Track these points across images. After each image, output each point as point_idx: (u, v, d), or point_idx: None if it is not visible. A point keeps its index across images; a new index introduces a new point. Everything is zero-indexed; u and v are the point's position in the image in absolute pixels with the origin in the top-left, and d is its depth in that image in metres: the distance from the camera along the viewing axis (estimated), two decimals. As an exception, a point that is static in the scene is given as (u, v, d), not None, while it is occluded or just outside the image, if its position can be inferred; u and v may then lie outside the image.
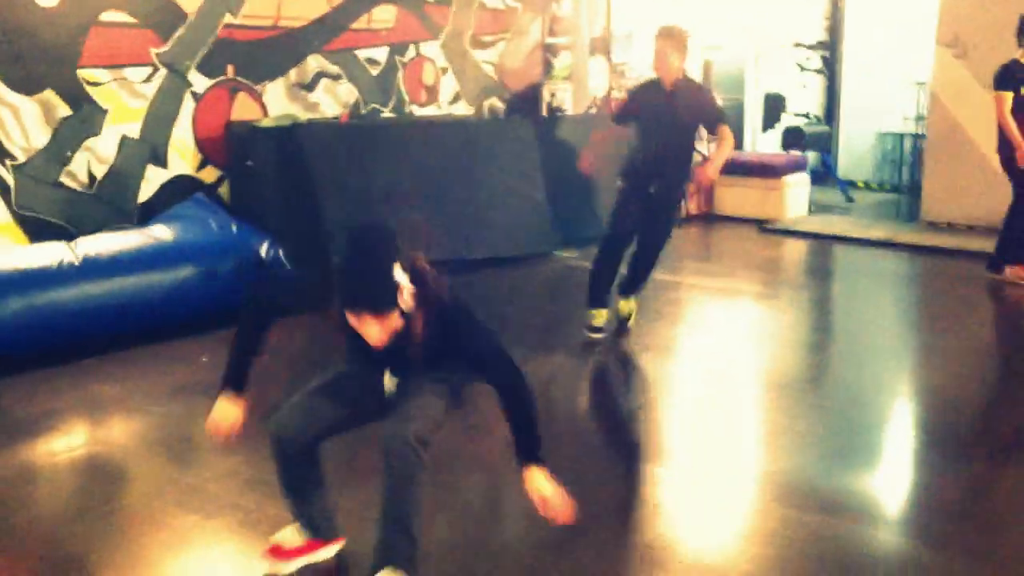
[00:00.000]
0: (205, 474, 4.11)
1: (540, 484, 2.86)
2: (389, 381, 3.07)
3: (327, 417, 3.09)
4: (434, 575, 3.19)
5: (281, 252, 6.36)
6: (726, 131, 5.83)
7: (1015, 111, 6.98)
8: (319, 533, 3.26)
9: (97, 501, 3.93)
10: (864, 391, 5.28)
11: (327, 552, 3.27)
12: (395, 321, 2.82)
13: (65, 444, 4.52)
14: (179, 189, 6.92)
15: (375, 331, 2.81)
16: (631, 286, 6.21)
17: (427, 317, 2.88)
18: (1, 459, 4.36)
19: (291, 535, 3.25)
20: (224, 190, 7.27)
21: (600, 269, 6.10)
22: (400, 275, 2.81)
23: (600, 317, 6.05)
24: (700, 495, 3.94)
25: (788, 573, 3.28)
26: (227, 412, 3.15)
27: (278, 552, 3.23)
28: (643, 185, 5.89)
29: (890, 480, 4.20)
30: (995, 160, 7.46)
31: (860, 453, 4.40)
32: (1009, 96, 6.98)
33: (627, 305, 6.21)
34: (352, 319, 2.82)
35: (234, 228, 6.33)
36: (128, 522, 3.68)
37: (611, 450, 4.60)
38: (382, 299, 2.77)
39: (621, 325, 6.20)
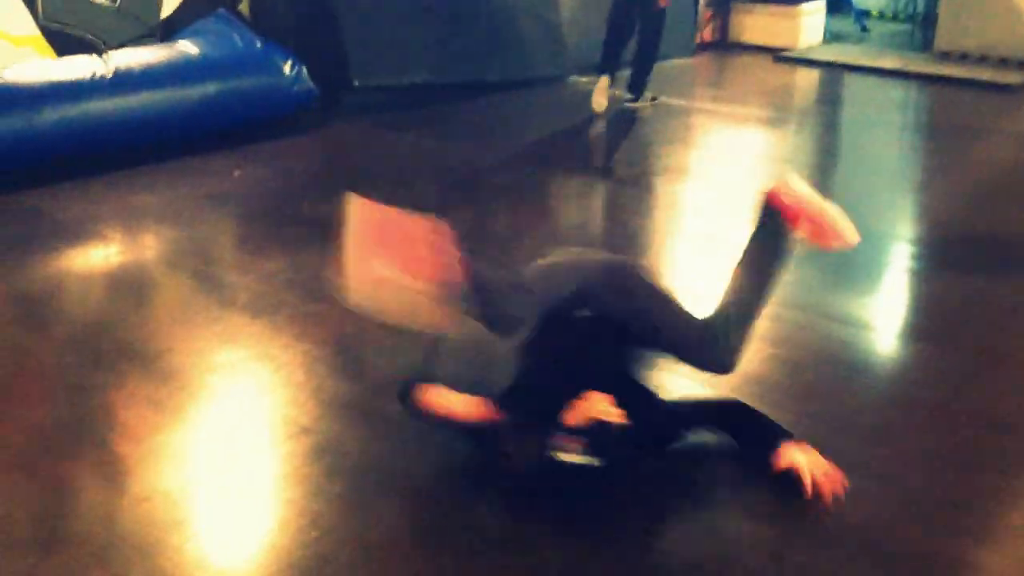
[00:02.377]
0: (248, 276, 4.36)
1: (796, 457, 2.77)
2: None
3: None
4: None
5: (305, 70, 6.45)
6: None
7: None
8: None
9: (148, 297, 4.19)
10: (868, 211, 5.46)
11: None
12: None
13: (108, 249, 4.75)
14: (200, 5, 6.92)
15: None
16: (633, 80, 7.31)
17: None
18: (58, 254, 4.62)
19: None
20: (244, 7, 7.27)
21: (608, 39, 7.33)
22: None
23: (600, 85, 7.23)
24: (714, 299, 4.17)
25: (801, 371, 3.55)
26: None
27: None
28: None
29: (893, 291, 4.46)
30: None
31: (865, 267, 4.63)
32: None
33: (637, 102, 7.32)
34: None
35: (258, 44, 6.39)
36: (181, 315, 3.94)
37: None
38: None
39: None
